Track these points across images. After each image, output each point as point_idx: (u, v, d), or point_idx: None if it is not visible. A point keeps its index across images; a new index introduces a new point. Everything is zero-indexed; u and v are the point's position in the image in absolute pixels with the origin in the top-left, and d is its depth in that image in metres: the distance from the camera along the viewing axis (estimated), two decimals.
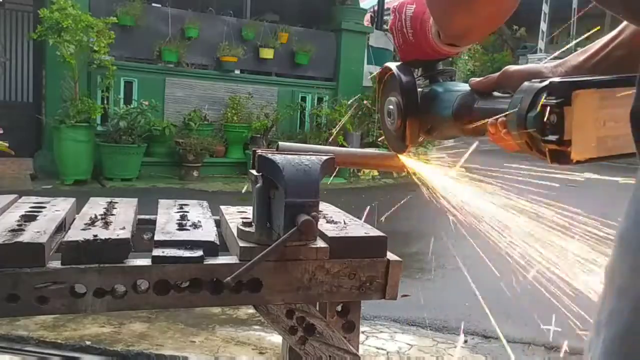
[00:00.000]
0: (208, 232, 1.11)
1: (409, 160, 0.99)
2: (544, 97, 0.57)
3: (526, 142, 0.60)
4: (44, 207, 1.24)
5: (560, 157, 0.57)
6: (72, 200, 1.33)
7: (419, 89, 0.84)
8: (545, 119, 0.57)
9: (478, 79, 0.74)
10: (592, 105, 0.56)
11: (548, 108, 0.56)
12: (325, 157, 1.02)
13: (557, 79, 0.58)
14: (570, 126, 0.55)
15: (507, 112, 0.63)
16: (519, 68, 0.71)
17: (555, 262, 0.85)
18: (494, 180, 0.88)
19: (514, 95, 0.62)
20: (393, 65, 0.87)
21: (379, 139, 8.13)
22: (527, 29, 14.04)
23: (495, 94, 0.72)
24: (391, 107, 0.86)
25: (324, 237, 1.10)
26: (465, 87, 0.78)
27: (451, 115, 0.77)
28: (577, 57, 0.73)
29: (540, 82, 0.59)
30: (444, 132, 0.82)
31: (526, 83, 0.61)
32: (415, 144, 0.88)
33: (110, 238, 0.98)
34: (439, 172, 0.94)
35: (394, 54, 9.61)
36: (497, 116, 0.66)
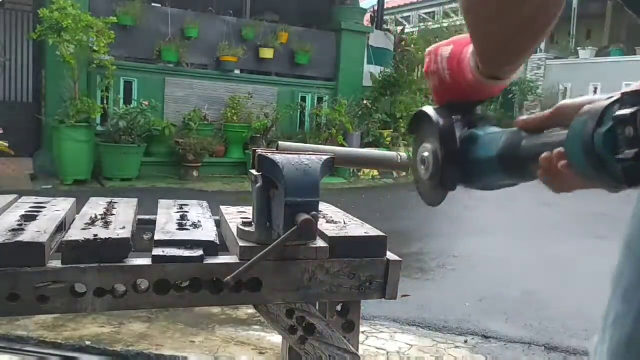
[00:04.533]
0: (208, 232, 1.11)
1: None
2: (615, 111, 0.51)
3: (594, 167, 0.53)
4: (44, 207, 1.24)
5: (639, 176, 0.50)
6: (72, 200, 1.33)
7: (457, 134, 0.76)
8: (618, 134, 0.50)
9: (526, 117, 0.66)
10: None
11: (622, 120, 0.49)
12: (325, 157, 1.02)
13: (630, 90, 0.51)
14: None
15: (567, 138, 0.55)
16: (574, 101, 0.62)
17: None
18: None
19: (575, 119, 0.55)
20: (429, 109, 0.79)
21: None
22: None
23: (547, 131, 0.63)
24: (426, 154, 0.77)
25: (324, 236, 1.10)
26: (510, 130, 0.69)
27: (495, 157, 0.68)
28: None
29: (607, 99, 0.52)
30: (487, 179, 0.73)
31: (588, 106, 0.54)
32: (451, 191, 0.78)
33: (110, 238, 0.98)
34: None
35: (394, 53, 9.62)
36: (547, 145, 0.58)
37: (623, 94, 0.51)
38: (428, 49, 0.81)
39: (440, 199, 0.79)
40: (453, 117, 0.77)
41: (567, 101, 0.61)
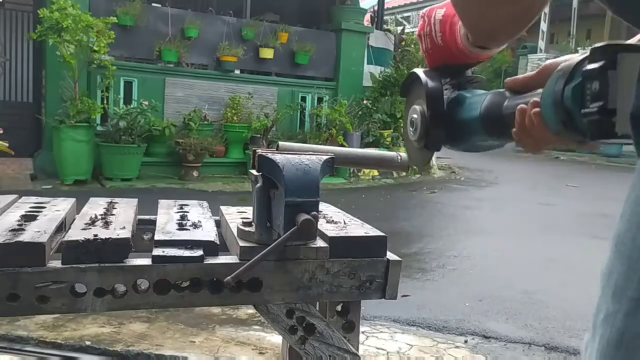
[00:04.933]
0: (208, 232, 1.11)
1: None
2: (585, 66, 0.52)
3: (563, 121, 0.54)
4: (44, 207, 1.24)
5: (603, 129, 0.50)
6: (72, 200, 1.33)
7: (445, 96, 0.78)
8: (586, 88, 0.51)
9: (514, 77, 0.68)
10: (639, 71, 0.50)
11: (590, 74, 0.51)
12: (325, 157, 1.03)
13: (599, 44, 0.52)
14: (615, 93, 0.49)
15: (542, 94, 0.57)
16: (557, 60, 0.64)
17: None
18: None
19: (551, 76, 0.57)
20: (419, 71, 0.81)
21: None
22: (527, 29, 14.04)
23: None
24: (415, 115, 0.79)
25: (324, 236, 1.10)
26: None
27: (478, 117, 0.70)
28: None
29: (580, 55, 0.54)
30: (471, 140, 0.75)
31: (564, 62, 0.56)
32: (437, 153, 0.80)
33: (110, 238, 0.98)
34: None
35: (394, 53, 9.62)
36: (528, 97, 0.59)
37: (593, 49, 0.52)
38: (422, 11, 0.83)
39: (426, 160, 0.82)
40: (443, 79, 0.79)
41: (552, 60, 0.63)
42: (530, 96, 0.61)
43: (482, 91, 0.76)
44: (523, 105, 0.60)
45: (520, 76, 0.67)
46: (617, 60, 0.50)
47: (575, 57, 0.56)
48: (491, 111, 0.68)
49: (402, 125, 8.71)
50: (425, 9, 0.83)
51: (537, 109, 0.58)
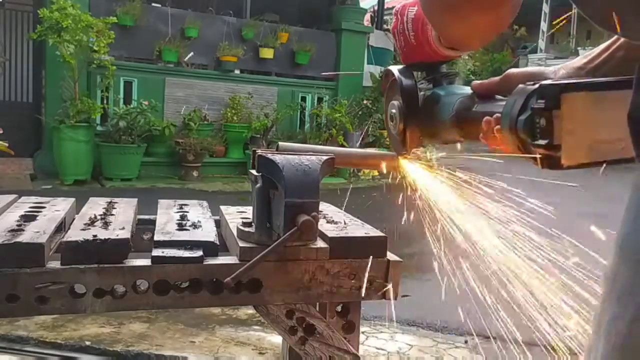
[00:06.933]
0: (208, 232, 1.11)
1: (407, 163, 1.00)
2: (534, 100, 0.56)
3: (518, 146, 0.59)
4: (44, 207, 1.24)
5: (551, 162, 0.56)
6: (72, 200, 1.33)
7: (421, 93, 0.82)
8: (535, 122, 0.56)
9: (480, 82, 0.72)
10: (583, 108, 0.54)
11: (538, 112, 0.55)
12: (325, 157, 1.02)
13: (547, 82, 0.56)
14: (559, 131, 0.54)
15: (501, 113, 0.62)
16: (520, 70, 0.69)
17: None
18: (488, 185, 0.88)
19: (509, 97, 0.61)
20: (395, 69, 0.84)
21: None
22: (527, 29, 14.05)
23: (497, 97, 0.70)
24: (393, 110, 0.83)
25: (324, 237, 1.10)
26: (468, 90, 0.76)
27: (450, 119, 0.75)
28: (581, 59, 0.72)
29: (533, 84, 0.58)
30: (445, 137, 0.80)
31: (521, 85, 0.60)
32: (416, 148, 0.85)
33: (109, 238, 0.98)
34: (434, 178, 0.95)
35: (394, 53, 9.61)
36: (492, 113, 0.64)
37: (541, 86, 0.56)
38: (395, 8, 0.83)
39: (407, 151, 0.87)
40: (418, 74, 0.83)
41: (515, 70, 0.69)
42: (496, 106, 0.65)
43: (456, 88, 0.80)
44: (489, 118, 0.64)
45: (485, 81, 0.72)
46: (560, 101, 0.54)
47: (538, 74, 0.61)
48: (462, 115, 0.73)
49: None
50: (398, 5, 0.83)
51: (499, 126, 0.61)
